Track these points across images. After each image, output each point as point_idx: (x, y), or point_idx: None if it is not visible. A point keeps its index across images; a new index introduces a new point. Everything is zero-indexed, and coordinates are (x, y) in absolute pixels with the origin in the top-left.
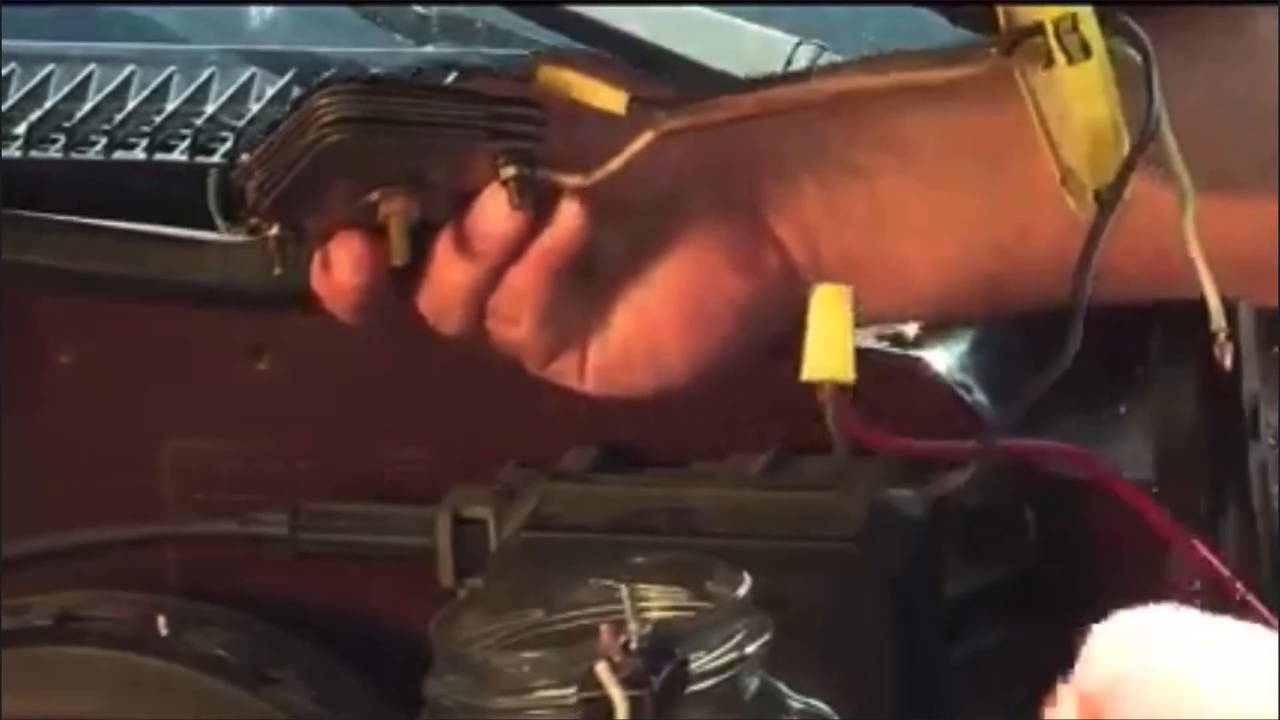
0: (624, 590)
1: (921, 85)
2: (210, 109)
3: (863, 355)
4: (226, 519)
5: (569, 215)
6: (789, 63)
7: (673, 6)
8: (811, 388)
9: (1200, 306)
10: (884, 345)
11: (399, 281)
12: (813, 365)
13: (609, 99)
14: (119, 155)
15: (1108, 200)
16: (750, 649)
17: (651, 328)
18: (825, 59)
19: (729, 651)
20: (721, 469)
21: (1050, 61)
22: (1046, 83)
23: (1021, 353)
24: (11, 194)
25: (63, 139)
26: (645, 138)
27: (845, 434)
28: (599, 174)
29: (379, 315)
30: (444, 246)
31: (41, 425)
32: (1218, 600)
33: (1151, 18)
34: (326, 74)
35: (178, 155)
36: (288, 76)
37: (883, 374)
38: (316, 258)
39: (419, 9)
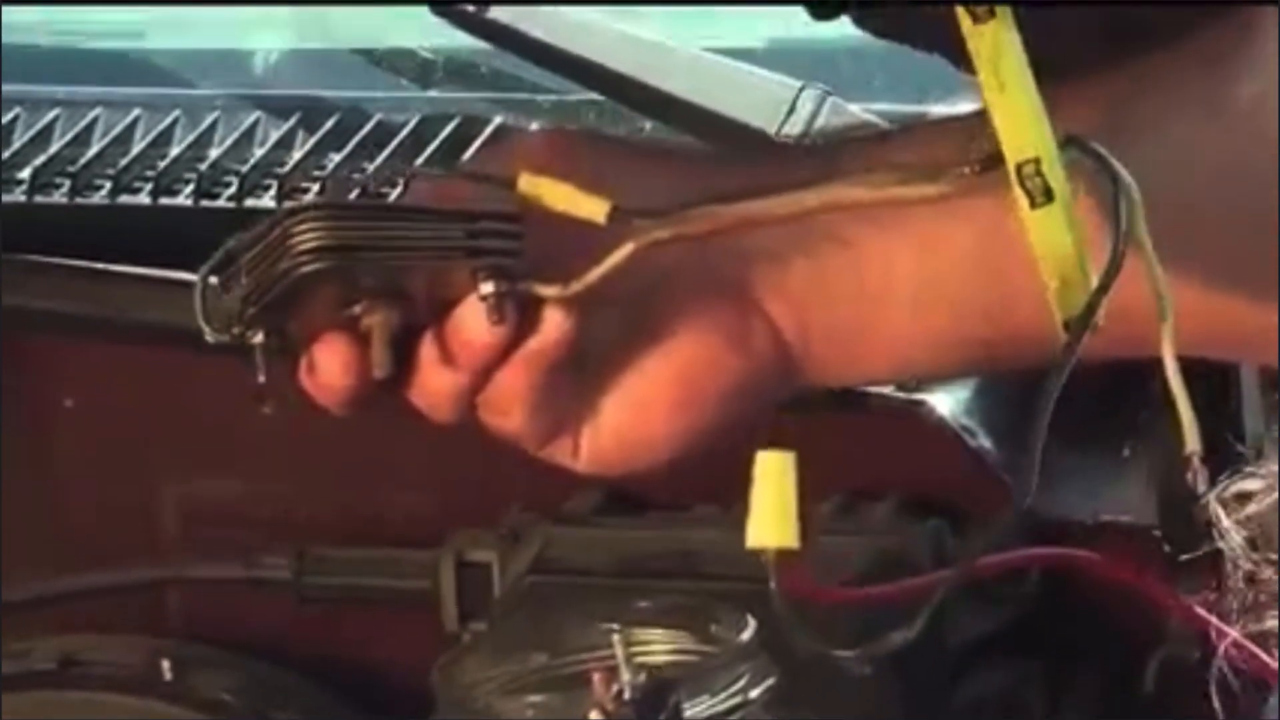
0: (616, 638)
1: (899, 201)
2: (214, 154)
3: (868, 399)
4: (230, 562)
5: (552, 323)
6: (792, 109)
7: (673, 49)
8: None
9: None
10: (889, 389)
11: (387, 381)
12: (757, 534)
13: (589, 208)
14: (124, 199)
15: (1075, 331)
16: (754, 693)
17: (643, 413)
18: (829, 104)
19: (733, 695)
20: (724, 512)
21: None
22: None
23: (1025, 397)
24: (16, 238)
25: (67, 184)
26: (625, 250)
27: (793, 594)
28: (577, 285)
29: (367, 409)
30: (427, 354)
31: (44, 469)
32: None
33: (1127, 73)
34: (302, 200)
35: (182, 200)
36: (292, 121)
37: (888, 418)
38: (304, 359)
39: (425, 54)
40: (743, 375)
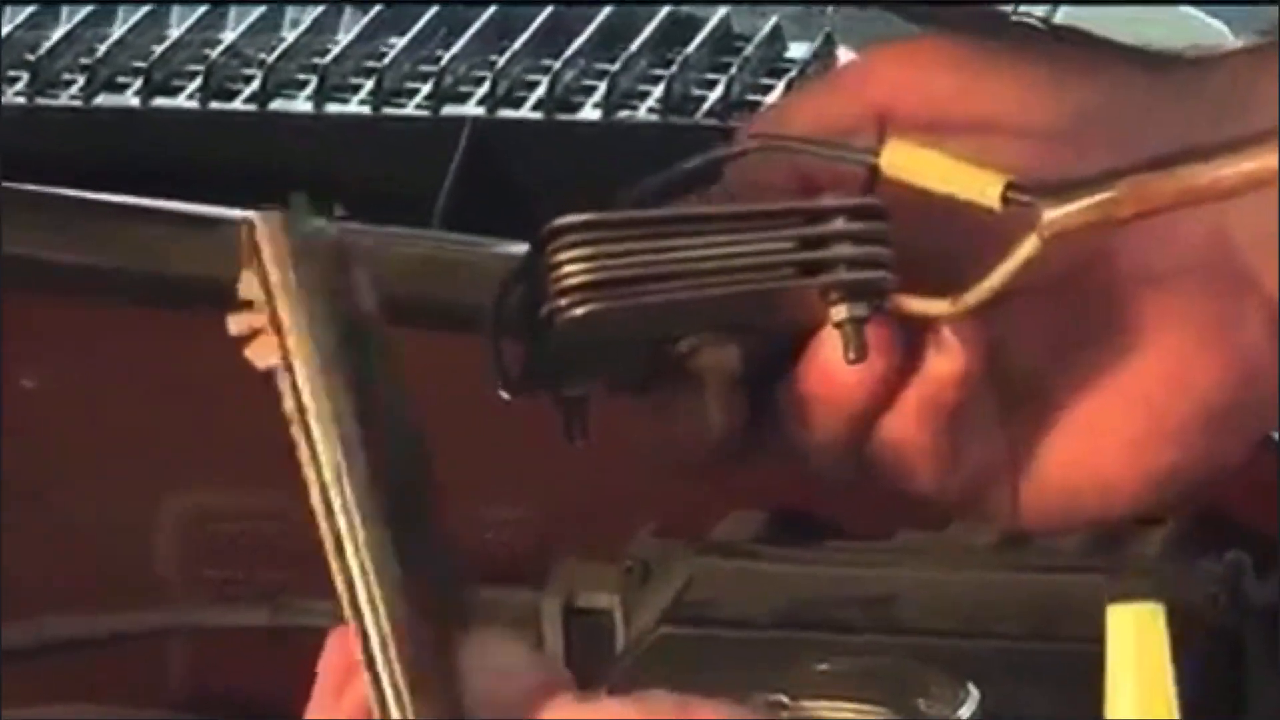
0: (786, 713)
1: None
2: (230, 37)
3: None
4: (253, 604)
5: (948, 354)
6: None
7: None
8: None
9: None
10: None
11: (738, 438)
12: (1120, 706)
13: (976, 187)
14: (102, 100)
15: None
16: None
17: (1096, 450)
18: None
19: None
20: (936, 542)
21: None
22: None
23: None
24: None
25: (25, 77)
26: (1026, 247)
27: None
28: (971, 298)
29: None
30: (785, 405)
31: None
32: None
33: None
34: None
35: (183, 100)
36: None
37: None
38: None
39: None
40: (1233, 381)
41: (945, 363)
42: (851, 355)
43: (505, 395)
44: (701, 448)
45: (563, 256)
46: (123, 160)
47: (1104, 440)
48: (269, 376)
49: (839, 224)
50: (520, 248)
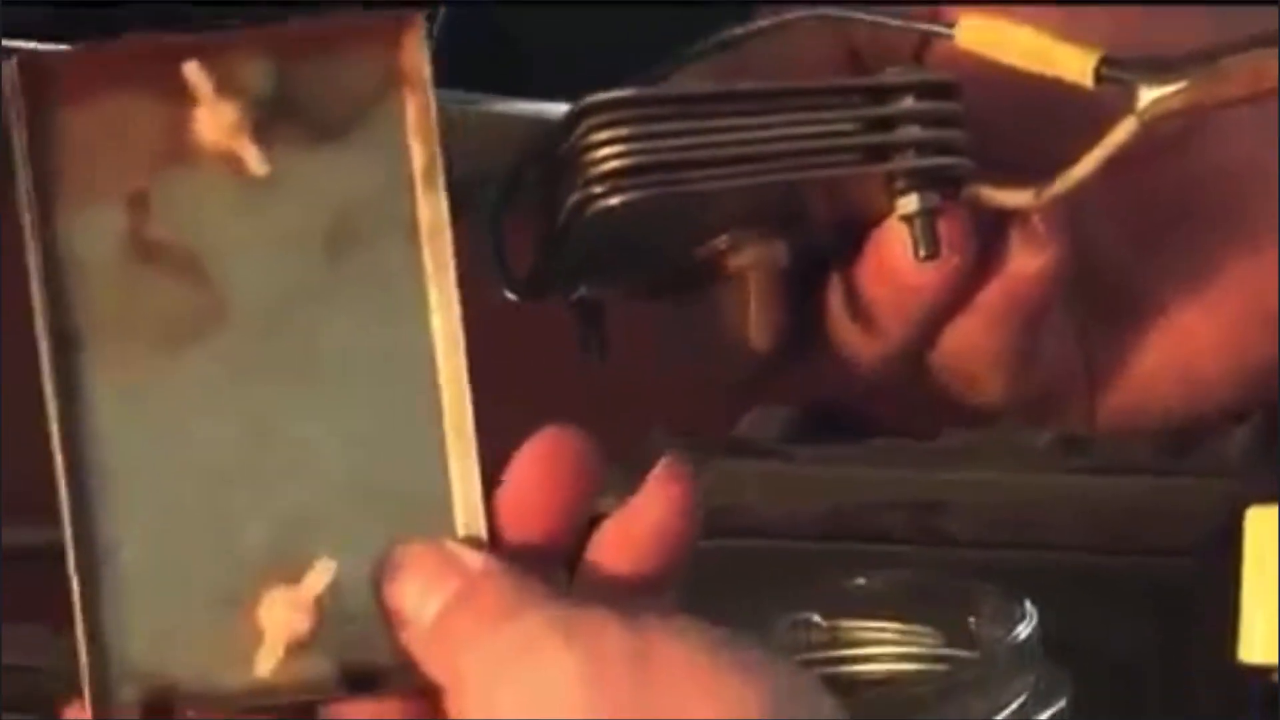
0: (817, 632)
1: None
2: None
3: None
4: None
5: (1032, 253)
6: None
7: None
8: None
9: None
10: None
11: (782, 349)
12: (1253, 645)
13: (1068, 63)
14: None
15: None
16: (1043, 719)
17: (1188, 340)
18: None
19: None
20: (988, 441)
21: None
22: None
23: None
24: None
25: None
26: (1123, 130)
27: None
28: (1057, 188)
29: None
30: (839, 309)
31: None
32: None
33: None
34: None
35: None
36: None
37: None
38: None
39: None
40: None
41: (1031, 258)
42: (922, 251)
43: (511, 297)
44: (741, 358)
45: (596, 138)
46: None
47: (1195, 332)
48: None
49: (907, 103)
50: (520, 105)
